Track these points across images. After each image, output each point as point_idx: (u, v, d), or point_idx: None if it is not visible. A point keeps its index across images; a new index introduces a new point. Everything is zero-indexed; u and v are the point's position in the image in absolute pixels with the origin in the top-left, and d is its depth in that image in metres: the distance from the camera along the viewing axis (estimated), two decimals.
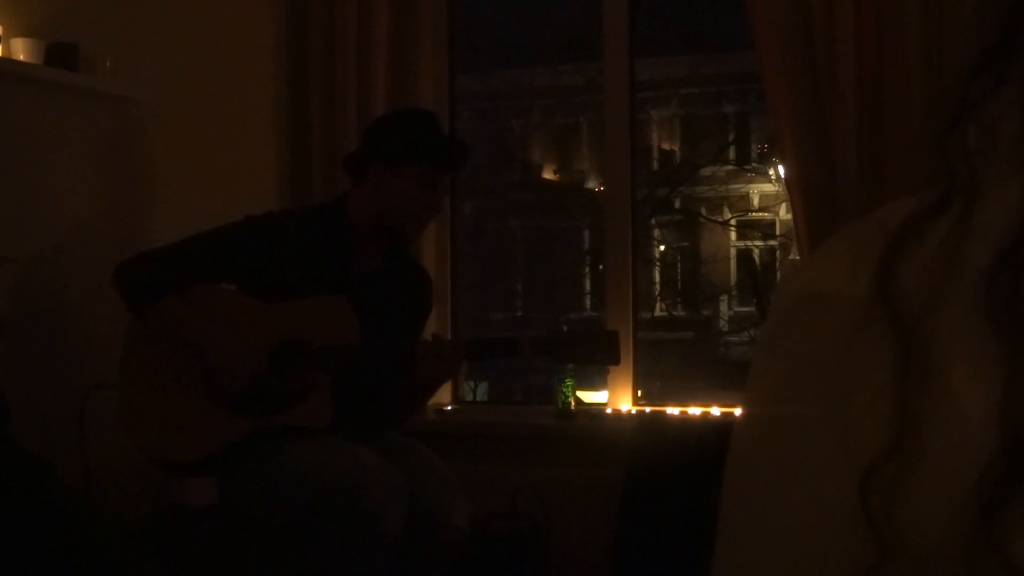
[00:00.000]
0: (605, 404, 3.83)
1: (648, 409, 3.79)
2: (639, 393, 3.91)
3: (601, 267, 5.30)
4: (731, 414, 3.60)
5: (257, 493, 2.84)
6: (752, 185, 8.33)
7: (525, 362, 3.18)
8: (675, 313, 8.51)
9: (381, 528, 2.67)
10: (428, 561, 2.83)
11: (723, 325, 8.50)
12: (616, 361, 2.98)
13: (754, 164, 8.34)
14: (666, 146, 8.67)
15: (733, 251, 8.55)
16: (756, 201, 8.37)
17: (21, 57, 3.07)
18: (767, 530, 0.52)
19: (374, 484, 2.69)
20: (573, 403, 3.76)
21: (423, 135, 3.00)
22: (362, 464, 2.72)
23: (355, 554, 2.68)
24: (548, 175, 8.54)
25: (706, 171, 8.36)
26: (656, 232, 8.41)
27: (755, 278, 8.33)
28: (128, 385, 2.90)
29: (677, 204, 8.56)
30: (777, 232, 8.23)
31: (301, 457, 2.76)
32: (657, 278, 8.41)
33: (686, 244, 8.65)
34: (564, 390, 3.73)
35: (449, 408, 3.92)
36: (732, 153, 8.53)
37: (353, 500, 2.66)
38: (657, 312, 8.24)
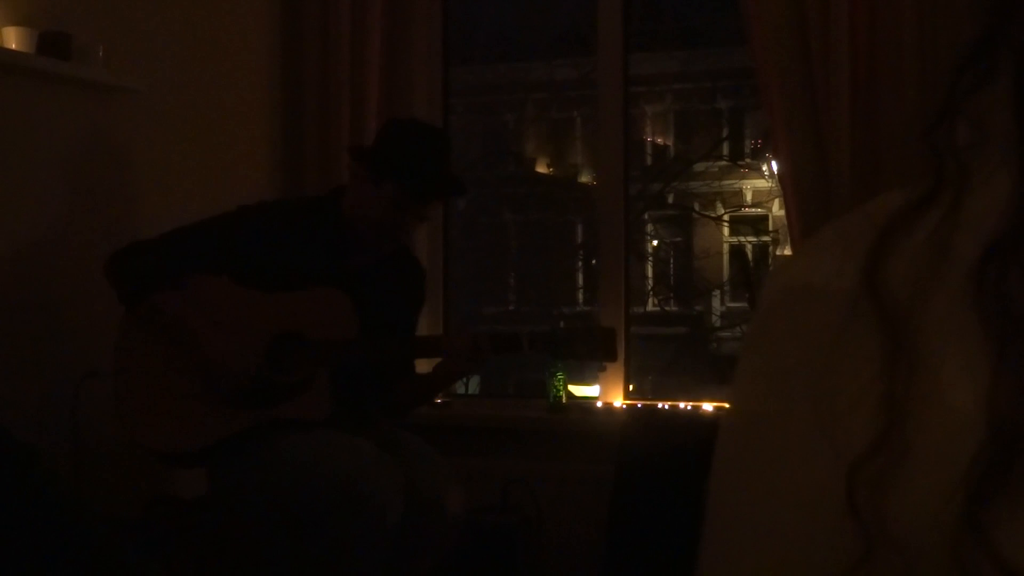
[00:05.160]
0: (597, 398, 3.83)
1: (640, 403, 3.79)
2: (631, 387, 3.91)
3: (594, 262, 5.30)
4: (722, 409, 3.61)
5: (255, 486, 2.84)
6: (745, 181, 8.34)
7: (523, 358, 3.18)
8: (668, 308, 8.51)
9: (381, 518, 2.69)
10: (424, 549, 2.85)
11: (715, 320, 8.51)
12: (613, 358, 3.04)
13: (747, 160, 8.35)
14: (660, 141, 8.67)
15: (726, 247, 8.56)
16: (749, 197, 8.37)
17: (13, 46, 3.05)
18: (754, 524, 0.52)
19: (374, 475, 2.70)
20: (565, 397, 3.77)
21: (414, 159, 2.91)
22: (362, 455, 2.73)
23: (356, 544, 2.70)
24: (542, 169, 8.54)
25: (699, 166, 8.37)
26: (649, 227, 8.41)
27: (748, 274, 8.33)
28: (122, 374, 2.89)
29: (670, 199, 8.56)
30: (770, 228, 8.23)
31: (301, 450, 2.77)
32: (650, 273, 8.41)
33: (679, 239, 8.65)
34: (556, 384, 3.74)
35: (441, 401, 3.92)
36: (726, 149, 8.53)
37: (354, 491, 2.68)
38: (650, 307, 8.24)
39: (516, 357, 3.05)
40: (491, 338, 2.92)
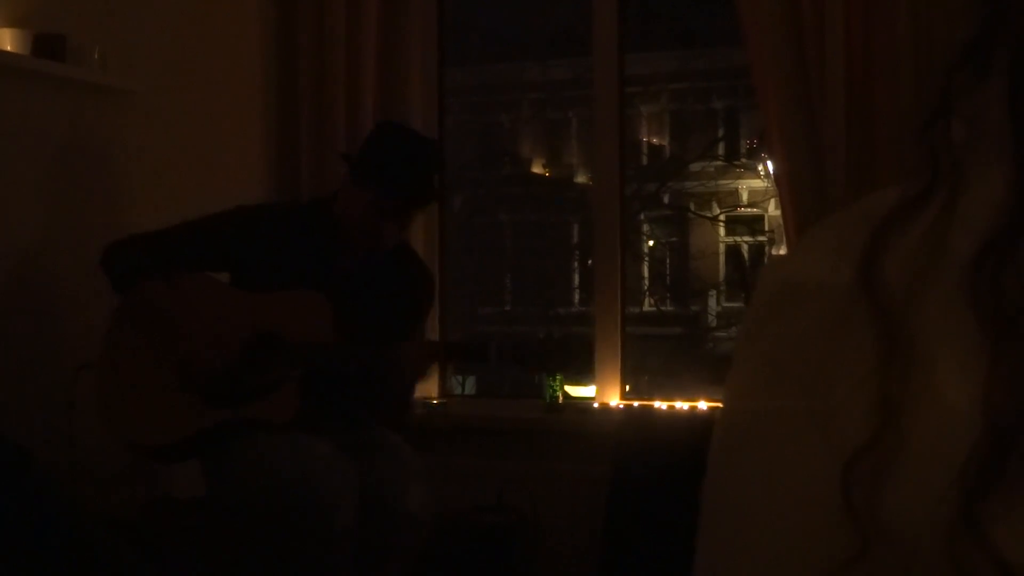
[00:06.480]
0: (593, 398, 3.83)
1: (636, 403, 3.79)
2: (627, 388, 3.91)
3: (590, 262, 5.30)
4: (718, 408, 3.61)
5: (223, 485, 2.88)
6: (741, 181, 8.34)
7: (491, 367, 3.18)
8: (664, 308, 8.51)
9: (330, 520, 2.70)
10: (384, 549, 2.85)
11: (711, 320, 8.51)
12: (586, 372, 3.05)
13: (743, 160, 8.35)
14: (655, 141, 8.68)
15: (722, 247, 8.56)
16: (745, 197, 8.37)
17: (8, 47, 3.05)
18: (749, 522, 0.52)
19: (323, 476, 2.71)
20: (561, 397, 3.77)
21: (395, 166, 2.89)
22: (313, 457, 2.74)
23: (306, 545, 2.70)
24: (537, 170, 8.54)
25: (695, 166, 8.37)
26: (645, 227, 8.41)
27: (743, 273, 8.34)
28: (105, 369, 2.94)
29: (666, 199, 8.56)
30: (766, 228, 8.24)
31: (257, 451, 2.80)
32: (646, 273, 8.42)
33: (675, 239, 8.65)
34: (552, 384, 3.74)
35: (437, 402, 3.92)
36: (721, 149, 8.54)
37: (302, 493, 2.69)
38: (646, 307, 8.24)
39: (483, 365, 3.05)
40: (455, 346, 2.94)
